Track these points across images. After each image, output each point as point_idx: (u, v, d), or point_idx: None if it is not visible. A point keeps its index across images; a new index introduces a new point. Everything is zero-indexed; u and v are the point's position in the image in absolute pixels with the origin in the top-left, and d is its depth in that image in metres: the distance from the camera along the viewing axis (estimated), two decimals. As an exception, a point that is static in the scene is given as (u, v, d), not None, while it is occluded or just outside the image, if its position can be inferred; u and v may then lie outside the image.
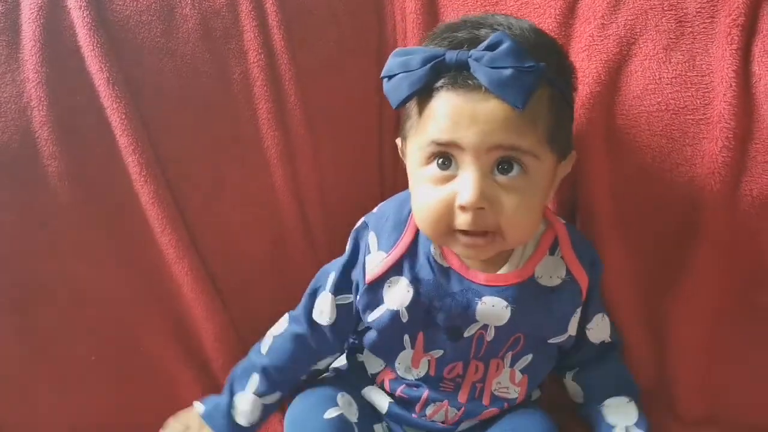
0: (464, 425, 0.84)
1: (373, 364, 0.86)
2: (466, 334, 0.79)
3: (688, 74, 0.84)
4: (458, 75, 0.68)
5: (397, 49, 0.72)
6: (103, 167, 0.86)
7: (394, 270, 0.78)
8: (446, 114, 0.69)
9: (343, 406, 0.81)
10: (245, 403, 0.84)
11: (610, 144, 0.88)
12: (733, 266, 0.86)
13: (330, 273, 0.83)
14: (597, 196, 0.88)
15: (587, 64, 0.88)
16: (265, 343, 0.86)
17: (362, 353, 0.88)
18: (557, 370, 0.89)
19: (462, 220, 0.70)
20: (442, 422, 0.84)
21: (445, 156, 0.70)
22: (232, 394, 0.85)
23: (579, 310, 0.81)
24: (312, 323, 0.84)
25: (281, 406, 0.88)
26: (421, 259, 0.78)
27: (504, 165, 0.69)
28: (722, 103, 0.81)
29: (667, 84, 0.85)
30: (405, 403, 0.84)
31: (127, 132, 0.84)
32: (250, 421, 0.85)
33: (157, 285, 0.90)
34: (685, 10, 0.84)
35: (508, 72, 0.65)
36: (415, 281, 0.78)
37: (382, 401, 0.85)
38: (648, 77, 0.85)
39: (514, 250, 0.79)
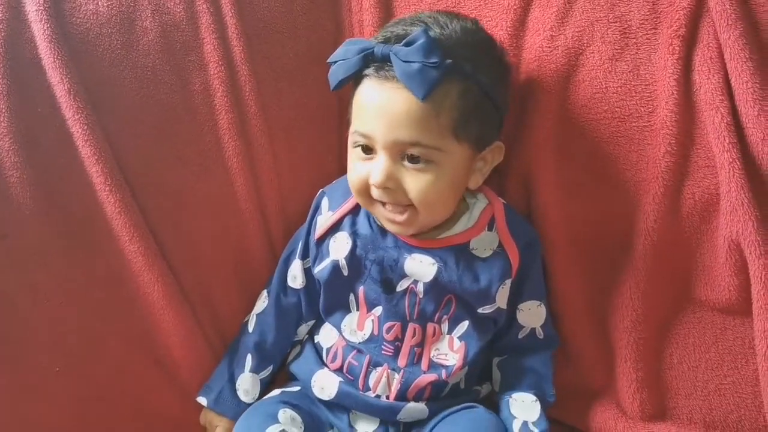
0: (407, 411, 0.87)
1: (328, 336, 0.94)
2: (398, 288, 0.88)
3: (633, 83, 0.88)
4: (381, 66, 0.79)
5: (348, 39, 0.84)
6: (65, 178, 0.87)
7: (338, 226, 0.91)
8: (366, 105, 0.81)
9: (285, 422, 0.85)
10: (247, 382, 0.95)
11: (559, 151, 0.92)
12: (677, 266, 0.89)
13: (298, 241, 0.95)
14: (546, 200, 0.93)
15: (537, 74, 0.92)
16: (251, 323, 0.97)
17: (319, 333, 0.95)
18: (490, 355, 0.94)
19: (375, 193, 0.83)
20: (387, 397, 0.88)
21: (366, 145, 0.82)
22: (233, 377, 0.95)
23: (508, 283, 0.88)
24: (287, 289, 0.96)
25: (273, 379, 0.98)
26: (362, 217, 0.90)
27: (411, 155, 0.80)
28: (665, 111, 0.85)
29: (613, 93, 0.88)
30: (352, 377, 0.90)
31: (90, 143, 0.85)
32: (252, 397, 0.95)
33: (123, 294, 0.91)
34: (629, 22, 0.88)
35: (415, 66, 0.75)
36: (354, 234, 0.89)
37: (332, 382, 0.90)
38: (595, 86, 0.89)
39: (455, 224, 0.88)
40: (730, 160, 0.81)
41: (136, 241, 0.88)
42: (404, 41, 0.77)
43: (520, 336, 0.92)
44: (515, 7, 0.94)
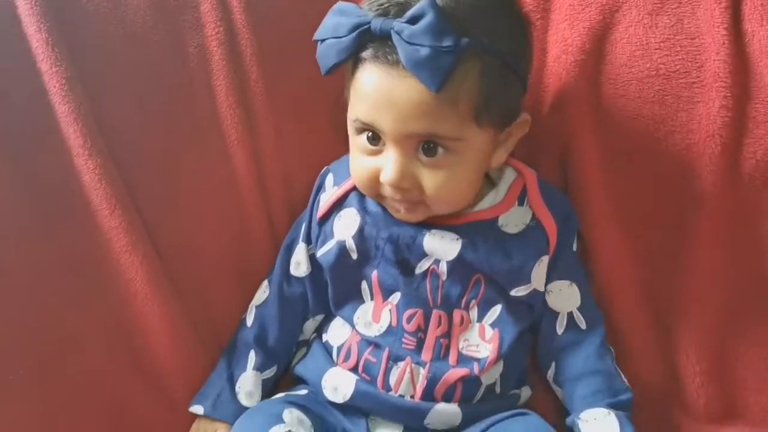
0: (436, 413, 0.74)
1: (339, 332, 0.81)
2: (417, 270, 0.76)
3: (677, 37, 0.80)
4: (381, 47, 0.66)
5: (336, 5, 0.69)
6: (37, 139, 0.75)
7: (344, 202, 0.79)
8: (368, 93, 0.68)
9: (291, 423, 0.72)
10: (249, 383, 0.82)
11: (597, 116, 0.83)
12: (740, 242, 0.80)
13: (302, 224, 0.84)
14: (586, 174, 0.83)
15: (569, 33, 0.83)
16: (250, 316, 0.85)
17: (328, 331, 0.83)
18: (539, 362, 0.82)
19: (387, 191, 0.72)
20: (411, 397, 0.74)
21: (373, 131, 0.70)
22: (232, 377, 0.82)
23: (545, 260, 0.77)
24: (290, 279, 0.84)
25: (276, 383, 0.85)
26: None
27: (427, 146, 0.69)
28: (716, 62, 0.77)
29: (656, 49, 0.80)
30: (369, 377, 0.77)
31: (68, 99, 0.74)
32: (256, 401, 0.81)
33: (102, 281, 0.78)
34: (668, -26, 0.81)
35: (425, 51, 0.62)
36: (362, 211, 0.78)
37: (347, 381, 0.77)
38: (635, 43, 0.81)
39: (480, 201, 0.77)
40: (795, 109, 0.73)
41: (118, 215, 0.76)
42: (407, 16, 0.63)
43: (559, 331, 0.79)
44: (540, -34, 0.86)
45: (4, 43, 0.75)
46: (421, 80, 0.63)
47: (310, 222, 0.83)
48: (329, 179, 0.83)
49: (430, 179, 0.69)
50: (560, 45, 0.84)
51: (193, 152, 0.83)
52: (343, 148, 0.88)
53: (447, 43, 0.62)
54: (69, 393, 0.77)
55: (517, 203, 0.77)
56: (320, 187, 0.83)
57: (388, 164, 0.69)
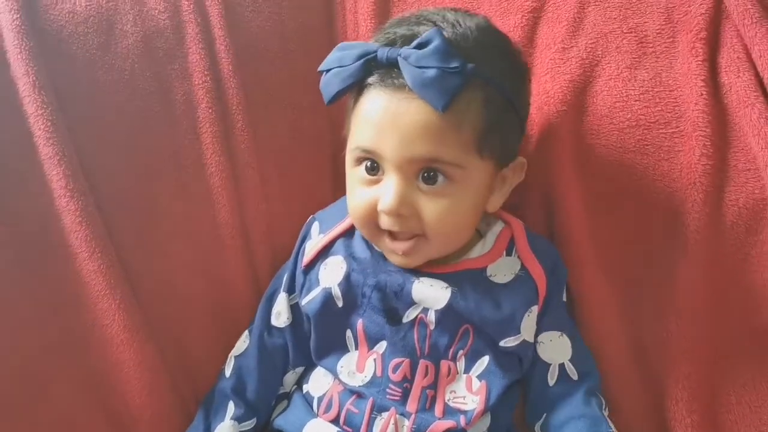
0: None
1: (320, 383, 0.79)
2: (405, 319, 0.74)
3: (656, 89, 0.81)
4: (388, 73, 0.67)
5: (341, 43, 0.71)
6: (21, 181, 0.75)
7: (330, 249, 0.78)
8: (371, 118, 0.68)
9: None
10: None
11: (580, 164, 0.83)
12: (727, 289, 0.79)
13: (284, 274, 0.82)
14: (571, 221, 0.83)
15: (551, 86, 0.85)
16: (228, 367, 0.82)
17: (309, 381, 0.80)
18: (527, 417, 0.79)
19: (385, 221, 0.70)
20: None
21: (372, 161, 0.70)
22: (209, 430, 0.78)
23: (535, 311, 0.75)
24: (271, 329, 0.81)
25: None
26: (358, 239, 0.78)
27: (428, 174, 0.69)
28: (695, 112, 0.79)
29: (636, 101, 0.82)
30: (351, 429, 0.74)
31: (52, 142, 0.74)
32: None
33: (77, 326, 0.76)
34: (645, 32, 0.83)
35: (431, 72, 0.64)
36: (349, 257, 0.76)
37: None
38: (615, 95, 0.83)
39: (469, 251, 0.76)
40: (775, 155, 0.74)
41: (97, 258, 0.75)
42: (414, 43, 0.66)
43: (551, 383, 0.77)
44: (522, 24, 0.89)
45: (-8, 86, 0.75)
46: (428, 100, 0.64)
47: (294, 271, 0.81)
48: (315, 227, 0.82)
49: (429, 208, 0.69)
50: (542, 96, 0.85)
51: (176, 197, 0.82)
52: (328, 196, 0.89)
53: (454, 64, 0.64)
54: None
55: (505, 253, 0.77)
56: (306, 236, 0.82)
57: (387, 191, 0.69)
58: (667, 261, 0.79)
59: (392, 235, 0.72)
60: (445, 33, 0.67)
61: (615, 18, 0.84)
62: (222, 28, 0.86)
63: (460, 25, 0.71)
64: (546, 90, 0.85)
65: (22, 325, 0.75)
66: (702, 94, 0.78)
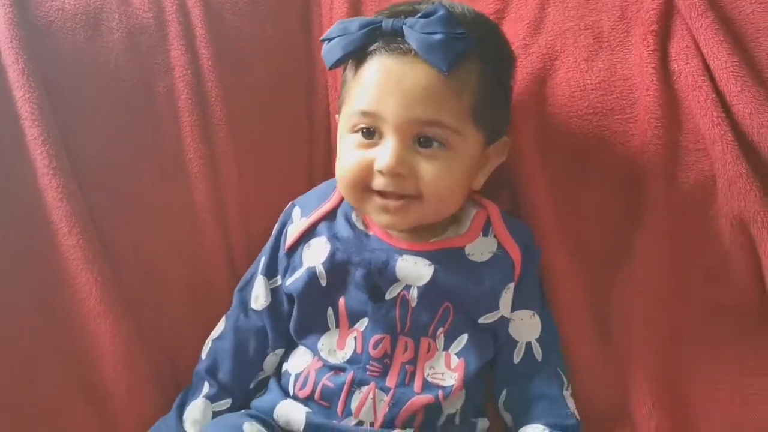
0: None
1: (299, 361, 0.79)
2: (387, 296, 0.75)
3: (611, 79, 0.87)
4: (392, 40, 0.71)
5: (340, 20, 0.76)
6: (8, 162, 0.79)
7: (312, 232, 0.80)
8: (375, 80, 0.72)
9: None
10: (196, 411, 0.79)
11: (542, 150, 0.87)
12: (686, 265, 0.82)
13: (261, 259, 0.84)
14: (535, 201, 0.86)
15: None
16: (205, 349, 0.83)
17: (289, 360, 0.80)
18: (493, 390, 0.81)
19: (379, 181, 0.72)
20: (371, 424, 0.72)
21: (369, 127, 0.73)
22: (182, 406, 0.80)
23: (511, 287, 0.77)
24: (249, 312, 0.82)
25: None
26: (341, 220, 0.80)
27: (423, 139, 0.72)
28: (647, 97, 0.83)
29: (592, 89, 0.87)
30: (327, 403, 0.74)
31: (38, 123, 0.78)
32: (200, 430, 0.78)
33: (59, 302, 0.79)
34: (600, 28, 0.89)
35: (438, 36, 0.68)
36: (333, 238, 0.78)
37: (298, 415, 0.74)
38: (573, 86, 0.88)
39: (445, 231, 0.79)
40: (721, 133, 0.78)
41: (76, 233, 0.78)
42: (419, 15, 0.70)
43: (516, 360, 0.79)
44: (487, 23, 0.94)
45: (-18, 74, 0.80)
46: (433, 62, 0.68)
47: (273, 255, 0.83)
48: (296, 211, 0.83)
49: (426, 167, 0.71)
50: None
51: (155, 183, 0.86)
52: (303, 187, 0.92)
53: (460, 30, 0.68)
54: (20, 426, 0.76)
55: (482, 234, 0.79)
56: (286, 221, 0.84)
57: (385, 151, 0.71)
58: (627, 237, 0.83)
59: (383, 195, 0.73)
60: (448, 7, 0.71)
61: (573, 17, 0.90)
62: (203, 27, 0.91)
63: (457, 6, 0.76)
64: (509, 83, 0.90)
65: (5, 301, 0.77)
66: (653, 81, 0.83)
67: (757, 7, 0.81)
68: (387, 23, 0.71)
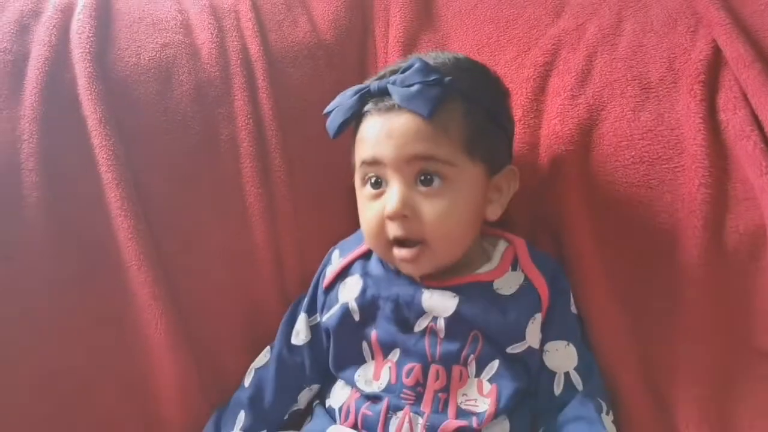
0: None
1: (339, 395, 0.83)
2: (416, 328, 0.80)
3: (658, 128, 0.87)
4: (380, 99, 0.78)
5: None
6: (83, 204, 0.85)
7: (348, 270, 0.85)
8: (369, 135, 0.78)
9: None
10: None
11: (588, 200, 0.89)
12: (731, 311, 0.81)
13: (304, 298, 0.89)
14: (580, 251, 0.87)
15: (560, 128, 0.92)
16: (248, 377, 0.88)
17: (330, 396, 0.85)
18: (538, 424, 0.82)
19: (391, 229, 0.77)
20: None
21: (376, 176, 0.79)
22: None
23: (538, 318, 0.80)
24: (291, 347, 0.87)
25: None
26: (374, 259, 0.85)
27: (425, 177, 0.76)
28: (694, 147, 0.84)
29: (639, 139, 0.88)
30: (369, 431, 0.78)
31: (113, 169, 0.85)
32: None
33: (124, 335, 0.84)
34: (648, 79, 0.90)
35: (415, 87, 0.74)
36: (365, 276, 0.83)
37: None
38: (619, 135, 0.89)
39: (478, 266, 0.82)
40: (770, 182, 0.78)
41: (145, 270, 0.83)
42: (399, 71, 0.77)
43: (557, 392, 0.80)
44: (534, 76, 0.97)
45: (65, 122, 0.87)
46: (415, 110, 0.74)
47: (314, 294, 0.88)
48: (335, 254, 0.89)
49: (428, 209, 0.75)
50: (552, 137, 0.92)
51: (217, 224, 0.91)
52: (352, 227, 0.96)
53: (433, 77, 0.74)
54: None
55: (510, 269, 0.82)
56: (327, 263, 0.90)
57: (390, 196, 0.76)
58: (672, 286, 0.83)
59: (399, 244, 0.78)
60: (425, 59, 0.78)
61: (621, 68, 0.92)
62: (265, 79, 0.97)
63: (439, 57, 0.83)
64: (555, 131, 0.92)
65: (76, 327, 0.83)
66: (700, 130, 0.84)
67: (804, 58, 0.82)
68: (374, 85, 0.78)
